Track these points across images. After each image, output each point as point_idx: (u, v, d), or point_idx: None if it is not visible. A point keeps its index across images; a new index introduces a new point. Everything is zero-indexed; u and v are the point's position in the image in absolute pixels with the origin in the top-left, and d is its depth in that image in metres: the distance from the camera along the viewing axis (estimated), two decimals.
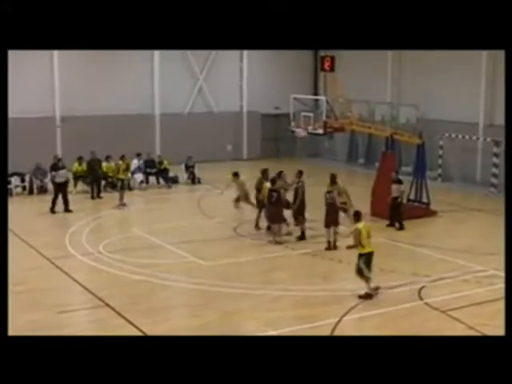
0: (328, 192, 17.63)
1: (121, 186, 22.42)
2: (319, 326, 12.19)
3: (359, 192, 21.05)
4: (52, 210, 21.24)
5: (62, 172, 22.03)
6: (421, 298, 13.79)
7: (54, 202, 21.35)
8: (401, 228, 19.56)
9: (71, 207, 21.53)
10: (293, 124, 21.76)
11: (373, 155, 30.23)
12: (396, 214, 19.69)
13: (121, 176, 22.67)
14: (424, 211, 21.38)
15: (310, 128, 21.04)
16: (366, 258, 13.68)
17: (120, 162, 22.97)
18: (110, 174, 24.72)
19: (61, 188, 21.60)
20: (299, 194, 18.08)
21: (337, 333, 11.90)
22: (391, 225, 19.71)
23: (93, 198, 23.83)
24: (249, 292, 14.01)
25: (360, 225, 13.78)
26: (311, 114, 21.70)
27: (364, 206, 20.66)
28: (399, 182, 19.77)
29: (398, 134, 22.68)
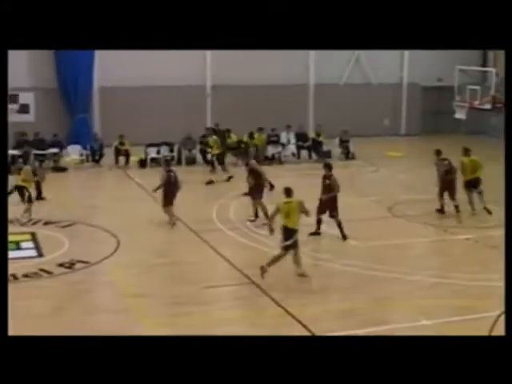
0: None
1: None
2: (478, 319, 11.31)
3: None
4: None
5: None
6: None
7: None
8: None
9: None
10: (457, 98, 20.42)
11: None
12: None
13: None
14: None
15: (476, 103, 19.63)
16: None
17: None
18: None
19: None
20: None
21: (497, 327, 10.78)
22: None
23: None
24: (402, 277, 13.23)
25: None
26: (478, 88, 20.27)
27: None
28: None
29: None
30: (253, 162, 17.78)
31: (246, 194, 17.92)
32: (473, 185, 17.95)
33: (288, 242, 12.81)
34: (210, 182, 21.87)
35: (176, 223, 16.51)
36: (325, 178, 16.13)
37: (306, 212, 13.21)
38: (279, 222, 13.12)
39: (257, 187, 17.00)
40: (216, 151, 23.14)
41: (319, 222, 15.89)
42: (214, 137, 23.61)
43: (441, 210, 17.96)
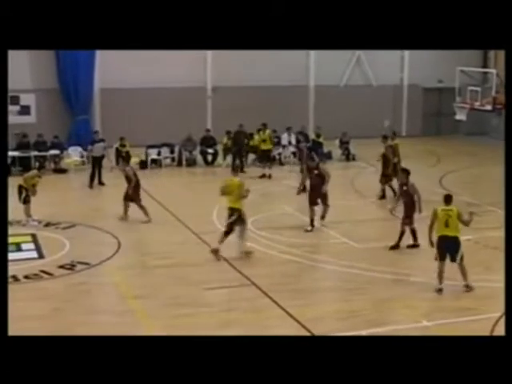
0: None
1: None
2: (479, 320, 11.30)
3: None
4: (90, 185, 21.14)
5: (98, 145, 21.79)
6: None
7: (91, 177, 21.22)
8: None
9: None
10: (458, 99, 20.42)
11: None
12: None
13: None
14: None
15: (476, 104, 19.62)
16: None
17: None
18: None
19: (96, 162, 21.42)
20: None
21: (498, 328, 10.75)
22: None
23: (235, 171, 23.39)
24: (403, 279, 13.22)
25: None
26: (479, 89, 20.26)
27: None
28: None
29: None
30: (321, 165, 17.25)
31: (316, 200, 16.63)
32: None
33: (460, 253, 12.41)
34: (264, 176, 22.50)
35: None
36: (402, 185, 15.04)
37: (466, 222, 12.49)
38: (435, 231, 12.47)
39: (318, 193, 16.35)
40: (267, 146, 23.38)
41: (402, 234, 14.94)
42: (268, 131, 23.78)
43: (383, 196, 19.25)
